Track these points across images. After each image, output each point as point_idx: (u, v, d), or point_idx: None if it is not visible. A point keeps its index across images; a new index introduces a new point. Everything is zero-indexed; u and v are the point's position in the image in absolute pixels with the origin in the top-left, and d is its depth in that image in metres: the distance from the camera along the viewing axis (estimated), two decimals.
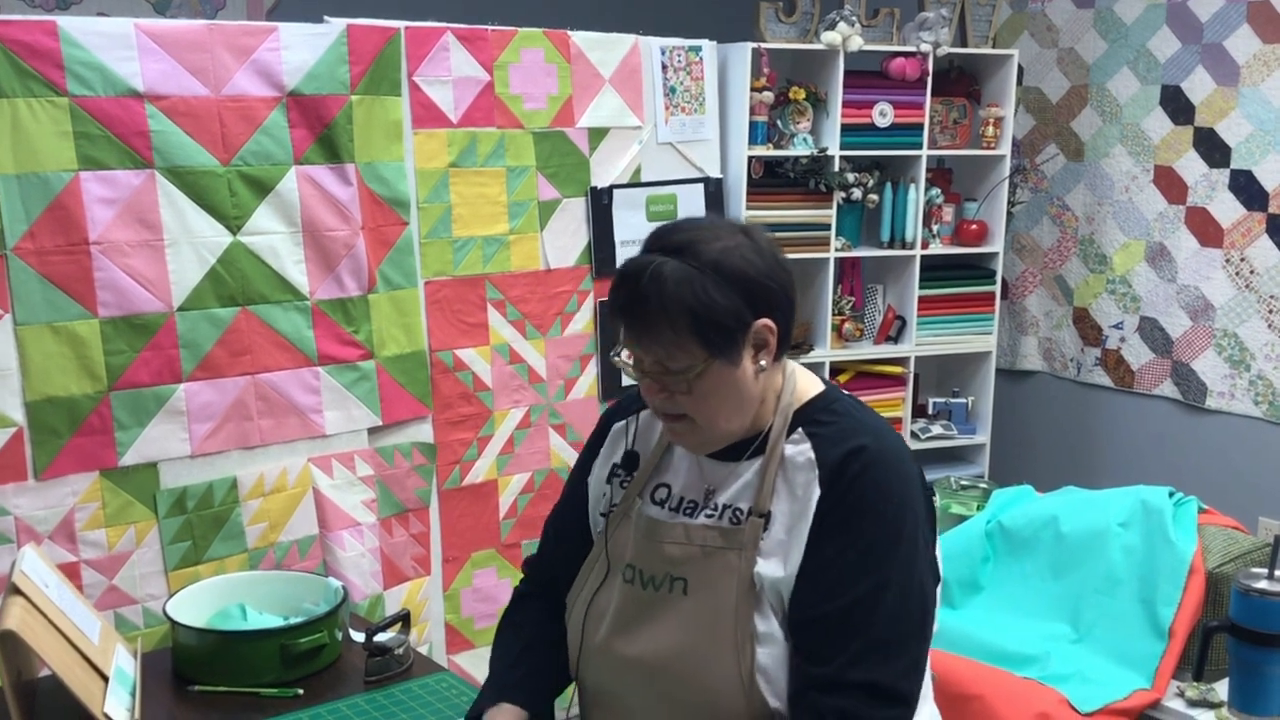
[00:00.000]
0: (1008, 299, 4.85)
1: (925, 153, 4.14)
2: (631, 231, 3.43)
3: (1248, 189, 4.08)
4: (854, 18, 3.94)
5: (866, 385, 4.23)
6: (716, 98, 3.65)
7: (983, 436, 4.44)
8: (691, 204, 3.61)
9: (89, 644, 2.00)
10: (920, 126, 4.12)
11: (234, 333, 2.77)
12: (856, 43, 3.93)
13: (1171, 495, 2.77)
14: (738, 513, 1.56)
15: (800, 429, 1.55)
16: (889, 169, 4.20)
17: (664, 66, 3.51)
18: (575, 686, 1.73)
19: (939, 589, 1.58)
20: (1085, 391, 4.68)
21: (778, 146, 3.95)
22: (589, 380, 3.42)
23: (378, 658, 2.21)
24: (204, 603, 2.33)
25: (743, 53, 3.78)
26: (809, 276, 4.08)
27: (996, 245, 4.37)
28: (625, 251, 3.39)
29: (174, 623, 2.21)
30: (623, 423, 1.71)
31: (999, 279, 4.41)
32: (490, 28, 3.14)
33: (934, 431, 4.35)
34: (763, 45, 3.83)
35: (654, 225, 1.57)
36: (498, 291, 3.21)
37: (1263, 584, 2.31)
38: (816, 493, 1.50)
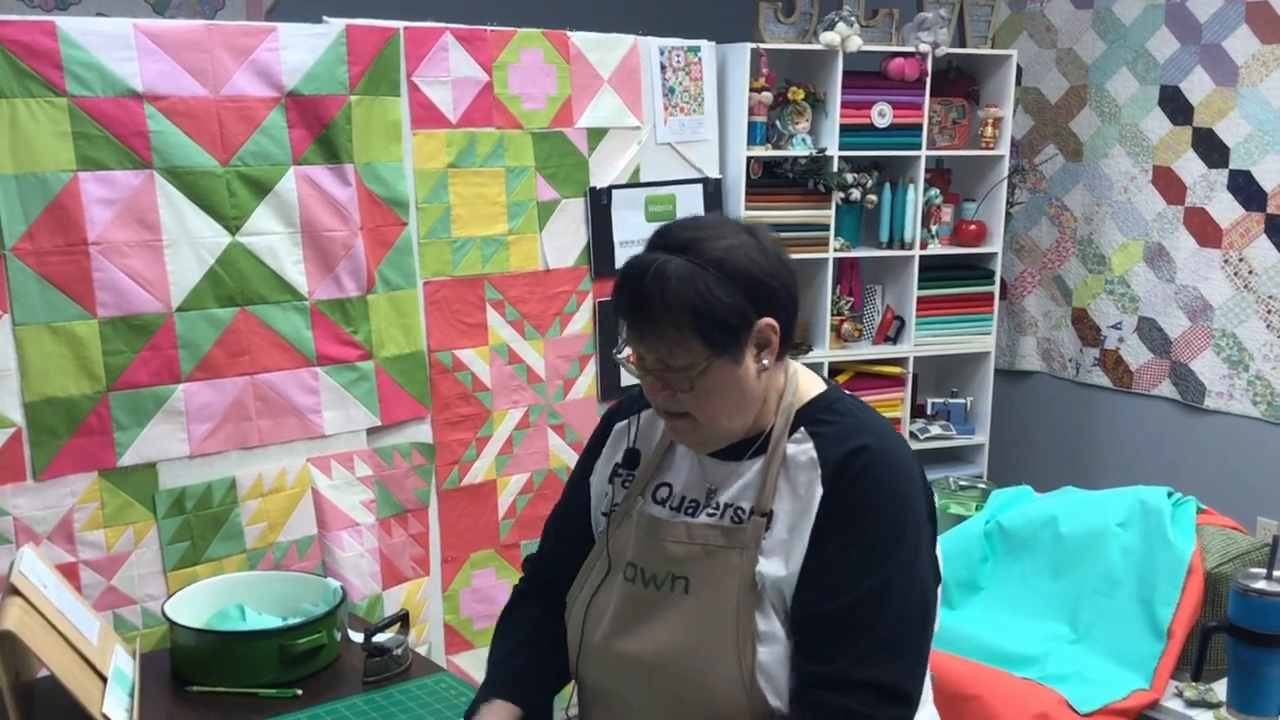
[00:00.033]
0: (1006, 299, 4.85)
1: (924, 153, 4.15)
2: (630, 232, 3.43)
3: (1246, 189, 4.08)
4: (853, 18, 3.94)
5: (865, 385, 4.23)
6: (715, 98, 3.65)
7: (981, 437, 4.44)
8: (690, 204, 3.61)
9: (87, 644, 2.00)
10: (919, 127, 4.12)
11: (233, 333, 2.76)
12: (855, 43, 3.93)
13: (1170, 495, 2.77)
14: (739, 512, 1.56)
15: (802, 428, 1.55)
16: (888, 169, 4.20)
17: (663, 67, 3.50)
18: (575, 685, 1.73)
19: (939, 589, 1.58)
20: (1084, 392, 4.68)
21: (776, 147, 3.95)
22: (588, 380, 3.42)
23: (376, 658, 2.21)
24: (202, 603, 2.33)
25: (741, 53, 3.78)
26: (808, 277, 4.07)
27: (995, 246, 4.38)
28: (624, 252, 3.38)
29: (172, 623, 2.21)
30: (624, 422, 1.71)
31: (998, 279, 4.41)
32: (489, 28, 3.14)
33: (933, 432, 4.35)
34: (762, 45, 3.83)
35: (653, 226, 1.57)
36: (497, 292, 3.21)
37: (1261, 584, 2.31)
38: (819, 492, 1.50)
